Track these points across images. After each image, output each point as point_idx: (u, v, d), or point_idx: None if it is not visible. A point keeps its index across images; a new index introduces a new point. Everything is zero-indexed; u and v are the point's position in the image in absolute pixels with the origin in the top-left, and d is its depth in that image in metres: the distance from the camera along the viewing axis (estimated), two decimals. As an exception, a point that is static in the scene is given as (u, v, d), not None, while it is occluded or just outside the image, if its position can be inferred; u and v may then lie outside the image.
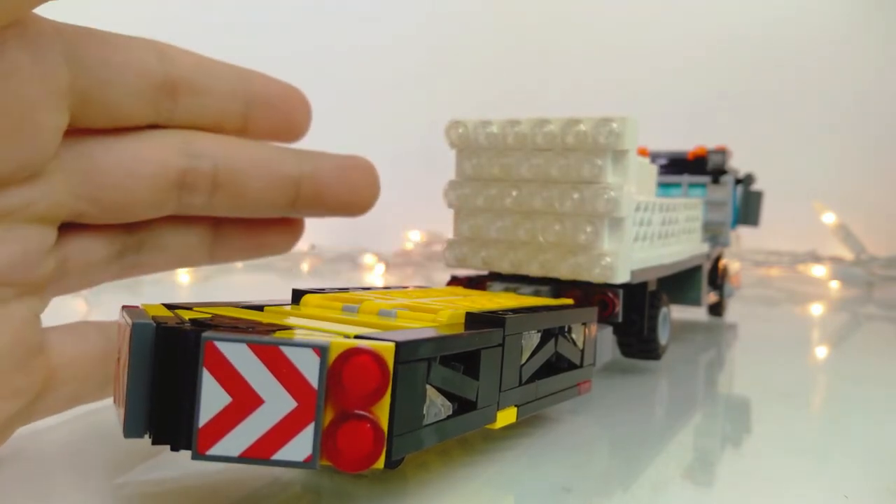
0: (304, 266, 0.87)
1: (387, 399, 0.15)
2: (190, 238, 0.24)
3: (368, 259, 0.89)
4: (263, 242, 0.26)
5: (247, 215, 0.25)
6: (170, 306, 0.18)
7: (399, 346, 0.15)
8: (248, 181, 0.23)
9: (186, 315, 0.17)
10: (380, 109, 0.90)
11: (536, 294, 0.29)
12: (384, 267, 0.88)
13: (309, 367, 0.14)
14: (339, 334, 0.15)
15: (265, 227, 0.26)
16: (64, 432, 0.23)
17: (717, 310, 0.51)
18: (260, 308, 0.20)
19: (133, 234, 0.23)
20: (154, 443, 0.15)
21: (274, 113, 0.25)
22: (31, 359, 0.18)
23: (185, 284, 0.66)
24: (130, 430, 0.15)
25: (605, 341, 0.28)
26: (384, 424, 0.15)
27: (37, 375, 0.19)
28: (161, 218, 0.23)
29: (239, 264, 0.86)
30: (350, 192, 0.25)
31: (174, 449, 0.15)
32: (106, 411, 0.24)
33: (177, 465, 0.20)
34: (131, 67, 0.20)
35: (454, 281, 0.32)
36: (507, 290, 0.29)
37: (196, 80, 0.22)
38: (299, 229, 0.27)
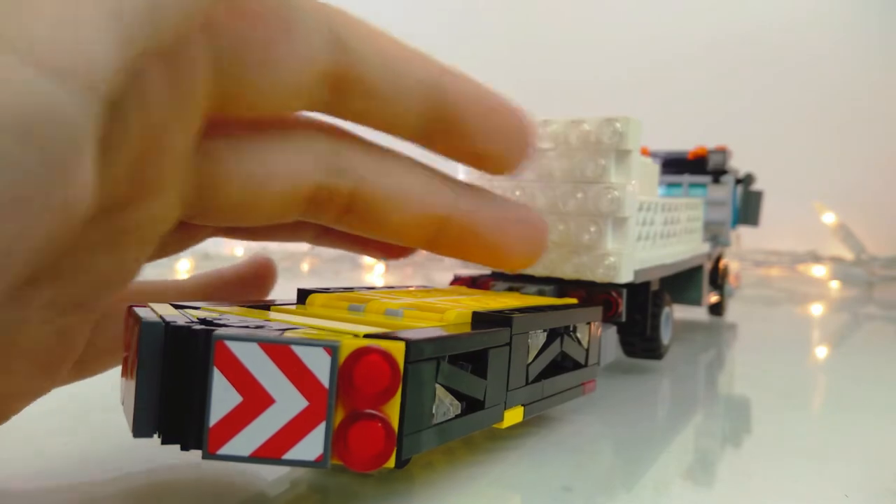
0: (304, 266, 0.88)
1: (397, 398, 0.15)
2: (303, 228, 0.22)
3: (368, 259, 0.89)
4: (378, 245, 0.23)
5: (375, 238, 0.20)
6: (177, 306, 0.18)
7: (409, 344, 0.15)
8: (389, 212, 0.18)
9: (195, 314, 0.17)
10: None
11: (540, 294, 0.29)
12: (384, 267, 0.88)
13: (320, 367, 0.14)
14: (348, 333, 0.15)
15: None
16: (69, 431, 0.23)
17: (717, 309, 0.51)
18: (266, 307, 0.20)
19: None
20: (163, 442, 0.15)
21: (468, 134, 0.19)
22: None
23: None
24: (140, 429, 0.15)
25: (609, 341, 0.28)
26: (395, 423, 0.15)
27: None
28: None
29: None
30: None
31: (184, 449, 0.15)
32: (109, 411, 0.24)
33: (182, 465, 0.20)
34: (290, 53, 0.15)
35: (457, 280, 0.32)
36: (510, 289, 0.29)
37: (372, 77, 0.17)
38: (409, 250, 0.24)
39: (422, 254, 0.92)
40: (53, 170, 0.09)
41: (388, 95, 0.17)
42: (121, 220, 0.15)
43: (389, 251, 0.24)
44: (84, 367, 0.19)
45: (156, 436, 0.16)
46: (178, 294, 0.22)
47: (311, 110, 0.17)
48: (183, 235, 0.20)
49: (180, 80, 0.14)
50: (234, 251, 0.88)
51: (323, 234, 0.23)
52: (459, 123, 0.18)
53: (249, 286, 0.23)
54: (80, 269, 0.15)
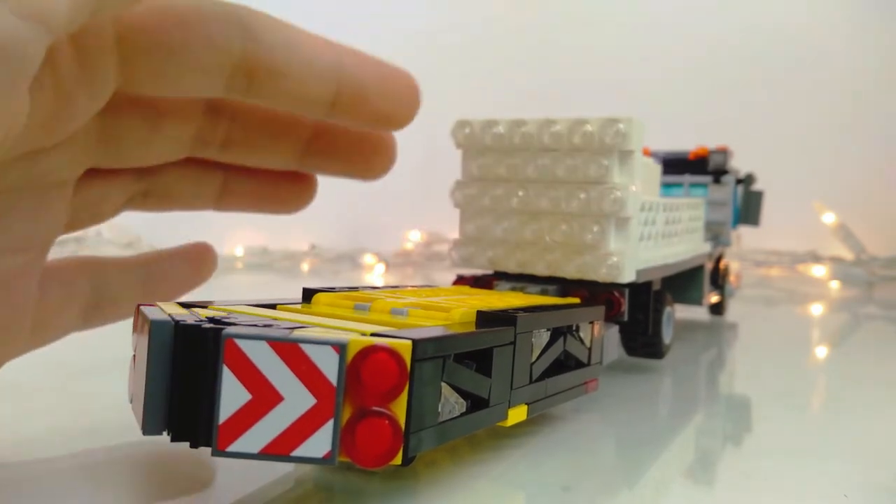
0: (305, 266, 0.88)
1: (404, 396, 0.15)
2: (200, 187, 0.24)
3: (368, 259, 0.89)
4: (274, 196, 0.26)
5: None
6: (185, 304, 0.18)
7: (416, 343, 0.15)
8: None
9: (203, 313, 0.17)
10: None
11: (543, 293, 0.29)
12: (384, 267, 0.88)
13: (328, 365, 0.14)
14: (355, 332, 0.16)
15: (277, 179, 0.25)
16: (75, 429, 0.23)
17: (718, 309, 0.51)
18: (273, 306, 0.20)
19: (142, 181, 0.23)
20: (173, 440, 0.15)
21: (369, 101, 0.22)
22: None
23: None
24: (149, 427, 0.15)
25: (611, 340, 0.28)
26: (401, 421, 0.15)
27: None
28: (173, 163, 0.23)
29: (239, 264, 0.86)
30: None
31: (193, 446, 0.15)
32: (114, 409, 0.24)
33: (187, 462, 0.20)
34: (206, 42, 0.18)
35: (460, 280, 0.32)
36: (513, 289, 0.29)
37: (282, 62, 0.20)
38: (312, 187, 0.26)
39: (421, 254, 0.92)
40: (6, 82, 0.13)
41: (298, 77, 0.20)
42: (38, 164, 0.18)
43: (288, 195, 0.26)
44: (38, 335, 0.21)
45: (165, 433, 0.16)
46: (118, 266, 0.23)
47: (229, 96, 0.20)
48: (96, 198, 0.22)
49: (88, 62, 0.17)
50: (233, 251, 0.88)
51: (224, 195, 0.25)
52: (360, 92, 0.21)
53: (189, 264, 0.25)
54: (7, 210, 0.18)
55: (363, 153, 0.24)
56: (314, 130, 0.24)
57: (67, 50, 0.17)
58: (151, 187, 0.23)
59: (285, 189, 0.26)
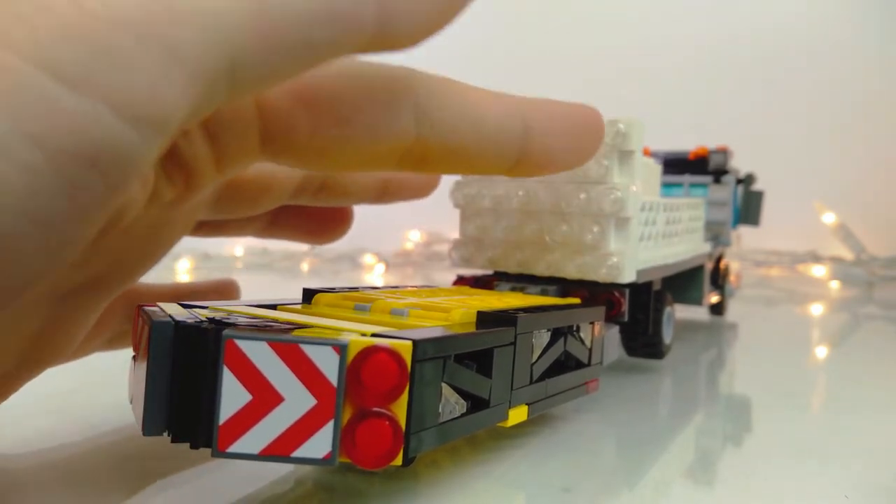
0: (304, 266, 0.88)
1: (404, 397, 0.15)
2: (252, 220, 0.25)
3: (368, 259, 0.89)
4: (316, 229, 0.26)
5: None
6: (186, 305, 0.18)
7: (416, 344, 0.15)
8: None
9: (203, 314, 0.17)
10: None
11: (543, 293, 0.29)
12: (384, 267, 0.88)
13: (328, 365, 0.14)
14: (355, 333, 0.16)
15: (322, 213, 0.26)
16: (75, 429, 0.23)
17: (718, 309, 0.51)
18: (273, 307, 0.20)
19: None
20: (173, 441, 0.15)
21: (554, 158, 0.19)
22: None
23: (186, 284, 0.66)
24: (150, 428, 0.15)
25: (612, 340, 0.28)
26: (402, 422, 0.15)
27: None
28: None
29: (239, 264, 0.86)
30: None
31: (194, 447, 0.15)
32: (114, 409, 0.24)
33: (186, 463, 0.20)
34: (371, 135, 0.16)
35: (460, 280, 0.32)
36: (514, 289, 0.29)
37: (457, 142, 0.17)
38: (349, 221, 0.27)
39: (421, 254, 0.92)
40: (111, 189, 0.12)
41: (477, 152, 0.17)
42: (157, 234, 0.18)
43: (326, 234, 0.26)
44: (77, 350, 0.21)
45: (165, 434, 0.16)
46: (153, 296, 0.24)
47: (397, 171, 0.18)
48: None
49: (223, 147, 0.15)
50: (233, 251, 0.88)
51: (271, 227, 0.25)
52: (546, 151, 0.19)
53: (219, 297, 0.26)
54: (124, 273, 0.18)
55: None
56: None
57: (199, 135, 0.15)
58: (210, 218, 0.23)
59: (327, 222, 0.26)
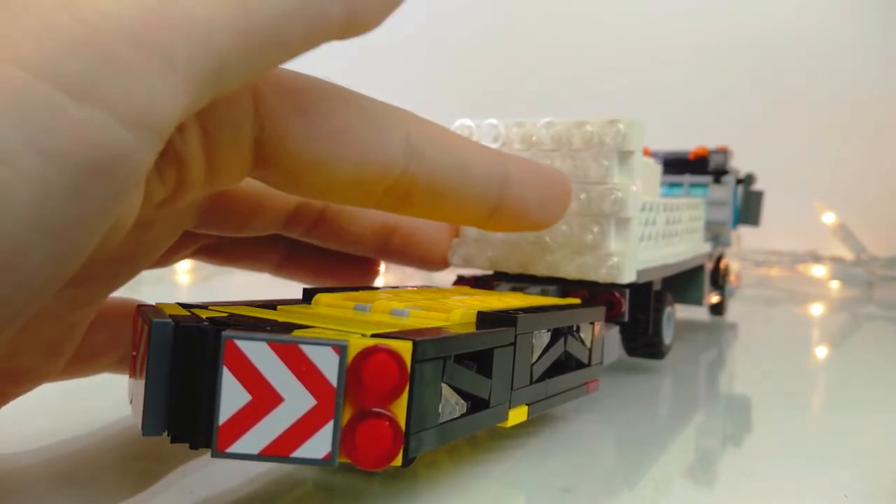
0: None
1: (404, 397, 0.15)
2: (265, 253, 0.25)
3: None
4: (335, 273, 0.26)
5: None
6: (185, 305, 0.18)
7: (416, 344, 0.15)
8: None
9: (203, 314, 0.17)
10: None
11: (543, 294, 0.29)
12: (384, 267, 0.88)
13: (328, 366, 0.14)
14: (355, 333, 0.16)
15: (342, 257, 0.26)
16: (75, 430, 0.23)
17: (718, 309, 0.51)
18: (273, 307, 0.20)
19: (217, 237, 0.23)
20: (173, 441, 0.15)
21: (527, 214, 0.21)
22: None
23: (184, 284, 0.66)
24: (149, 428, 0.15)
25: (612, 341, 0.28)
26: (402, 422, 0.15)
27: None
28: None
29: (239, 263, 0.86)
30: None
31: (193, 447, 0.15)
32: (114, 409, 0.24)
33: (184, 463, 0.20)
34: (363, 168, 0.16)
35: (460, 281, 0.32)
36: (514, 289, 0.29)
37: (440, 185, 0.18)
38: (376, 271, 0.27)
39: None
40: (115, 197, 0.12)
41: (457, 199, 0.18)
42: (143, 235, 0.17)
43: (347, 281, 0.26)
44: (75, 367, 0.21)
45: (164, 434, 0.16)
46: None
47: (378, 208, 0.18)
48: (169, 252, 0.22)
49: (215, 142, 0.15)
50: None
51: (286, 264, 0.25)
52: (520, 208, 0.20)
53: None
54: (107, 272, 0.18)
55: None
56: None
57: (192, 131, 0.15)
58: (222, 243, 0.23)
59: (348, 268, 0.26)
